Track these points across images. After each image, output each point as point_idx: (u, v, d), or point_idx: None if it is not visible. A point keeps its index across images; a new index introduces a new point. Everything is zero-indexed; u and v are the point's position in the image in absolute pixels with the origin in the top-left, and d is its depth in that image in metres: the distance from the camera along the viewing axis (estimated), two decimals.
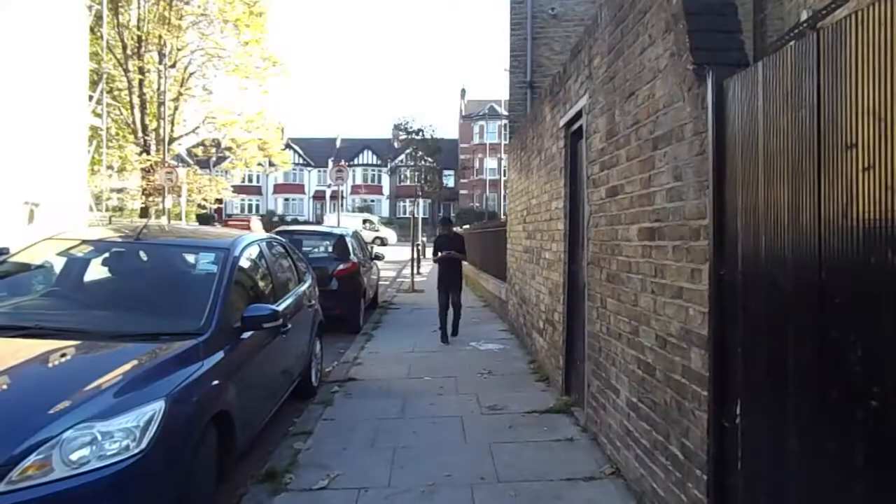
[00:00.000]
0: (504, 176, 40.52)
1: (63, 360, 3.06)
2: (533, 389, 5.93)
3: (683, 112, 2.77)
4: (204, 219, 34.27)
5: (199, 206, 30.31)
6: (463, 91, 58.89)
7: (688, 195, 2.73)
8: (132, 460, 2.56)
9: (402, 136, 20.80)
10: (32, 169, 14.95)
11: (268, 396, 4.46)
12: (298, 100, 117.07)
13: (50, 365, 3.00)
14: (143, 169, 25.35)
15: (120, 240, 4.44)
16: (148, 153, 25.91)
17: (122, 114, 26.08)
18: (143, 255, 4.19)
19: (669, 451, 2.97)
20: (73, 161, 17.75)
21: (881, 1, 1.51)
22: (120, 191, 26.98)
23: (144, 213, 25.80)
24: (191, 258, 4.42)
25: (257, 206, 58.34)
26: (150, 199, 25.57)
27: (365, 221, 42.26)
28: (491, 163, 51.20)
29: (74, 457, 2.46)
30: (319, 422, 4.96)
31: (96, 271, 4.10)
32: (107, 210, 21.46)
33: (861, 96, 1.64)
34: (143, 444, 2.62)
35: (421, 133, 16.28)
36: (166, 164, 23.06)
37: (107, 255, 4.19)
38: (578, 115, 4.91)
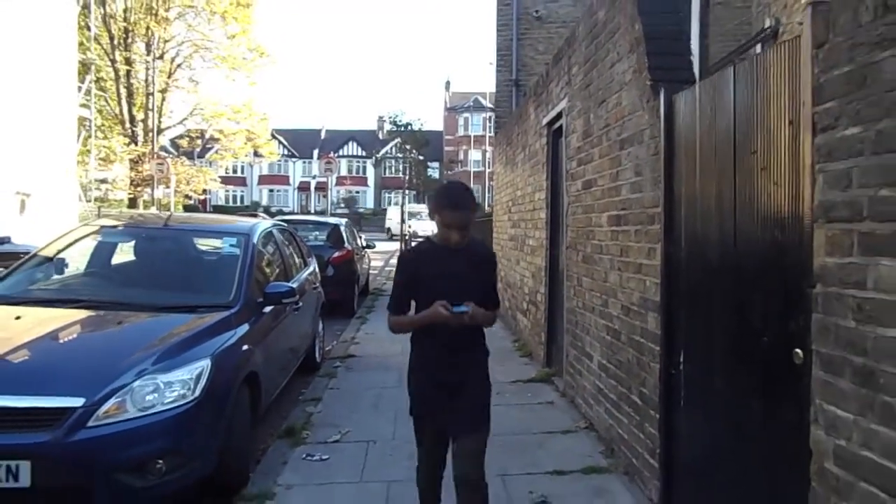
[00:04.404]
0: (489, 168, 41.08)
1: (121, 326, 3.59)
2: (517, 363, 6.54)
3: (643, 119, 3.36)
4: (190, 209, 34.43)
5: (186, 196, 30.54)
6: (448, 83, 59.29)
7: (646, 188, 3.33)
8: (188, 406, 3.11)
9: (389, 127, 21.29)
10: (23, 159, 15.20)
11: (282, 367, 4.99)
12: (283, 91, 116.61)
13: (111, 330, 3.54)
14: (131, 160, 25.53)
15: (150, 226, 4.94)
16: (135, 144, 26.09)
17: (108, 104, 26.22)
18: (172, 238, 4.70)
19: (631, 400, 3.58)
20: (63, 151, 17.98)
21: (766, 52, 2.10)
22: (103, 181, 27.18)
23: (132, 203, 26.03)
24: (214, 241, 4.94)
25: (242, 196, 58.36)
26: (139, 189, 25.79)
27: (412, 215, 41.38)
28: (475, 154, 51.72)
29: (144, 401, 3.00)
30: (326, 391, 5.52)
31: (131, 253, 4.60)
32: (90, 201, 21.68)
33: (758, 115, 2.23)
34: (197, 393, 3.16)
35: (409, 127, 16.80)
36: (156, 155, 23.27)
37: (139, 239, 4.70)
38: (559, 116, 5.49)
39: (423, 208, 35.93)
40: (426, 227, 29.07)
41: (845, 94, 1.71)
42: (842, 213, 1.75)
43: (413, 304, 2.58)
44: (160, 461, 2.95)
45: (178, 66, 27.81)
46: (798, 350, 1.98)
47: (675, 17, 3.36)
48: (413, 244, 3.13)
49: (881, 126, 1.58)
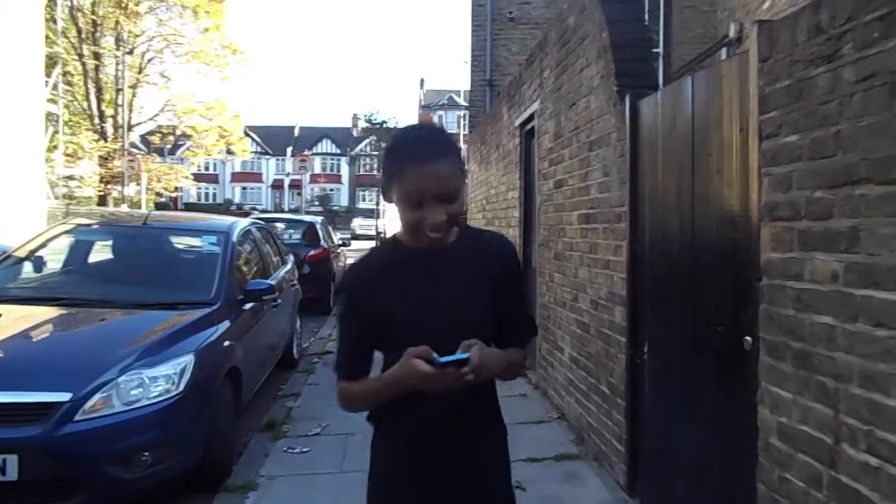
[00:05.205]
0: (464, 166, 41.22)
1: (105, 323, 3.65)
2: None
3: (610, 123, 3.53)
4: (162, 207, 33.92)
5: (157, 194, 30.07)
6: (422, 81, 59.32)
7: (613, 188, 3.50)
8: (173, 400, 3.19)
9: (364, 125, 21.31)
10: None
11: (262, 362, 5.08)
12: (256, 87, 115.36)
13: (95, 326, 3.60)
14: (100, 156, 25.08)
15: (129, 224, 4.98)
16: (105, 140, 25.63)
17: (75, 99, 25.70)
18: (151, 237, 4.75)
19: (600, 390, 3.76)
20: (30, 148, 17.59)
21: (720, 64, 2.28)
22: (70, 178, 26.63)
23: (102, 201, 25.57)
24: (194, 240, 5.00)
25: (214, 194, 57.62)
26: (108, 186, 25.35)
27: None
28: None
29: (129, 396, 3.08)
30: (305, 386, 5.62)
31: (110, 251, 4.64)
32: (58, 198, 21.23)
33: (713, 121, 2.42)
34: (181, 388, 3.25)
35: (384, 124, 16.90)
36: (127, 152, 22.93)
37: (119, 237, 4.74)
38: (531, 117, 5.66)
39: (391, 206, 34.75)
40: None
41: (786, 105, 1.90)
42: (784, 212, 1.93)
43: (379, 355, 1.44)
44: (146, 454, 3.04)
45: (149, 60, 27.38)
46: (748, 338, 2.17)
47: (641, 25, 3.54)
48: (362, 256, 1.52)
49: (815, 135, 1.76)
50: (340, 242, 13.51)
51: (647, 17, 3.92)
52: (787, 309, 1.90)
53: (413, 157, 1.28)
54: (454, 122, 52.30)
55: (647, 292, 3.13)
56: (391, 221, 29.77)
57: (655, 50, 3.68)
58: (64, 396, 2.89)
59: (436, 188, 1.27)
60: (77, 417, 2.89)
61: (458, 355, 1.25)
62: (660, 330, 2.99)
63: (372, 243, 21.82)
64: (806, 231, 1.82)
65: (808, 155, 1.80)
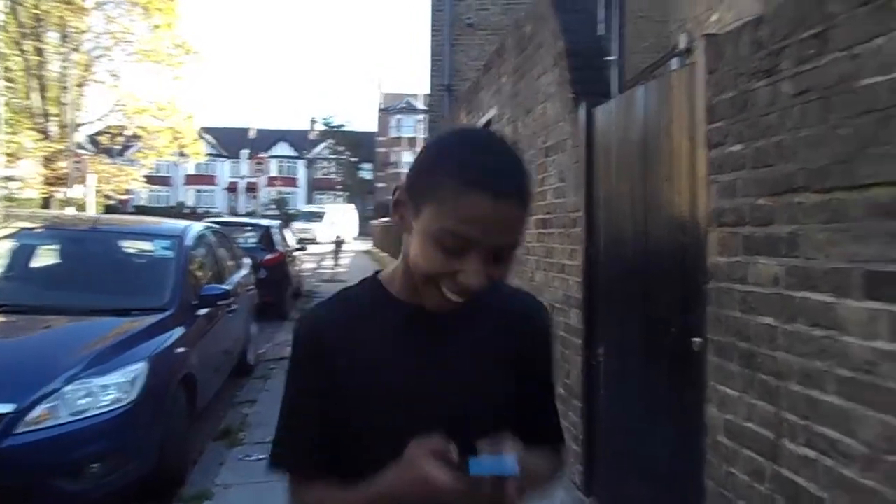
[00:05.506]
0: None
1: (50, 330, 3.52)
2: None
3: (566, 129, 3.61)
4: (111, 211, 32.73)
5: (106, 196, 29.04)
6: (380, 84, 59.16)
7: (569, 193, 3.58)
8: (124, 409, 3.10)
9: (321, 127, 21.04)
10: None
11: (217, 369, 4.97)
12: (211, 88, 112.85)
13: (40, 334, 3.46)
14: (44, 157, 24.09)
15: (78, 228, 4.82)
16: (49, 139, 24.61)
17: (16, 96, 24.61)
18: (102, 241, 4.61)
19: (557, 393, 3.82)
20: None
21: (669, 75, 2.37)
22: (10, 179, 25.48)
23: (46, 203, 24.55)
24: (146, 244, 4.87)
25: (167, 197, 55.99)
26: (53, 188, 24.35)
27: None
28: (407, 156, 51.65)
29: (77, 406, 2.98)
30: (262, 392, 5.53)
31: (58, 256, 4.48)
32: None
33: (663, 130, 2.51)
34: (133, 396, 3.16)
35: (342, 128, 16.74)
36: (74, 153, 22.10)
37: (66, 241, 4.58)
38: (489, 123, 5.73)
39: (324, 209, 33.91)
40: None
41: (731, 116, 1.99)
42: (729, 218, 2.02)
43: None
44: (95, 465, 2.95)
45: (97, 58, 26.45)
46: (697, 339, 2.25)
47: (596, 34, 3.64)
48: (321, 303, 1.04)
49: (758, 144, 1.85)
50: (298, 246, 13.36)
51: (601, 26, 4.01)
52: (734, 311, 1.99)
53: (484, 182, 0.83)
54: (412, 127, 52.31)
55: (601, 295, 3.21)
56: (337, 225, 29.07)
57: (610, 58, 3.76)
58: (6, 408, 2.78)
59: (498, 237, 0.85)
60: (18, 430, 2.78)
61: (492, 462, 0.79)
62: (614, 332, 3.07)
63: (317, 248, 21.39)
64: (750, 236, 1.90)
65: (752, 164, 1.89)
